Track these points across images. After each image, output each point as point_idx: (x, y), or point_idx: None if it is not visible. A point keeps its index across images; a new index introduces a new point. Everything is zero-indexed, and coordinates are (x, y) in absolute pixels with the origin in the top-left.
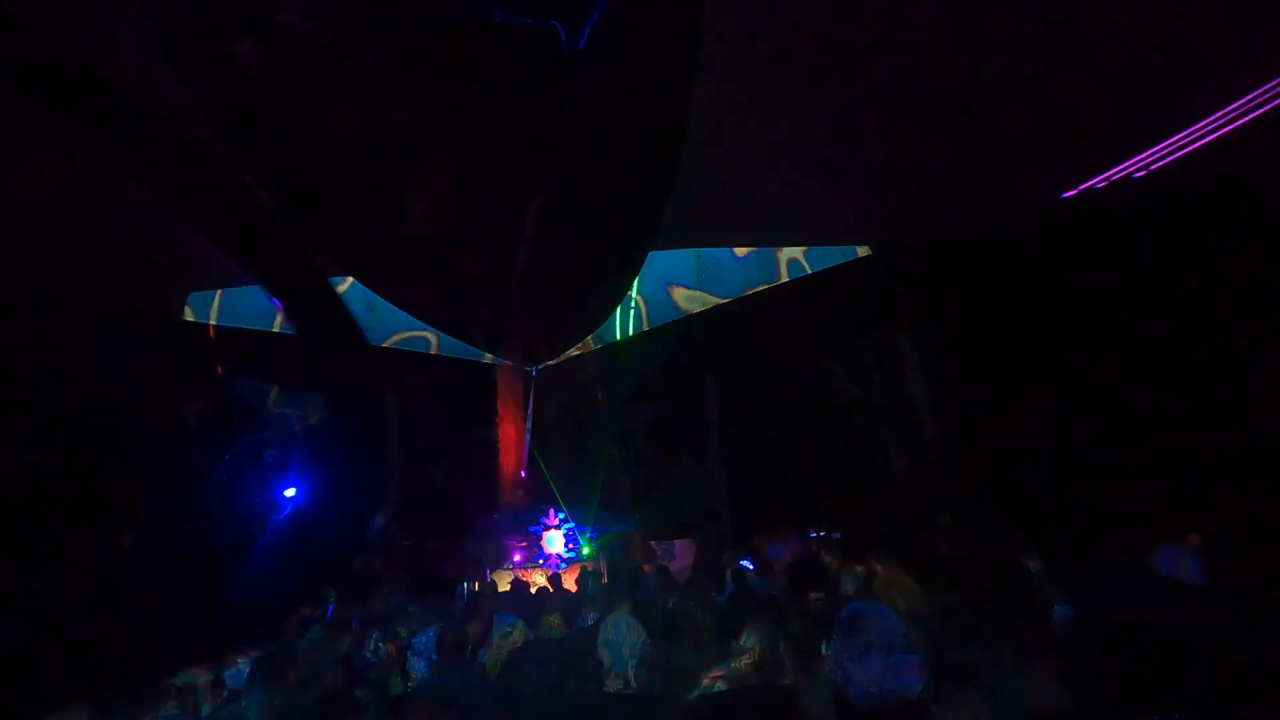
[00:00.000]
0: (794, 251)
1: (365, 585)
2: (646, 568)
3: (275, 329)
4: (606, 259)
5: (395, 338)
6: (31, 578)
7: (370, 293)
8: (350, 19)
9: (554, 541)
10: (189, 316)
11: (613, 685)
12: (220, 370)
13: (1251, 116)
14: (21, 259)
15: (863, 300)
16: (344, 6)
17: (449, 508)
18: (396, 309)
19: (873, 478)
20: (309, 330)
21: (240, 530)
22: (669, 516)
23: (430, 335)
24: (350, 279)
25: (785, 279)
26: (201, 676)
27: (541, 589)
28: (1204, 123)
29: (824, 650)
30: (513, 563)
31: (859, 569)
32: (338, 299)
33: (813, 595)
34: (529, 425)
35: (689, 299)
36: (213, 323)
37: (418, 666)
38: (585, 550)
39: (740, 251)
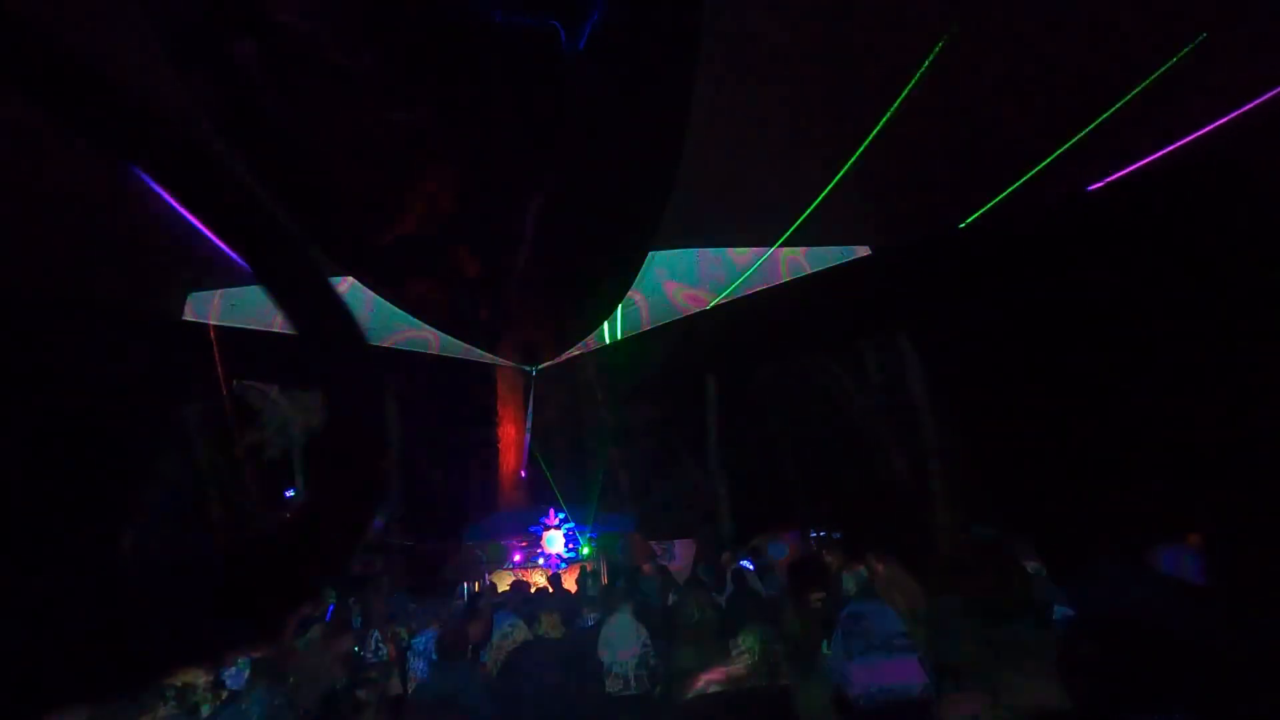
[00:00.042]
0: (794, 251)
1: (365, 585)
2: (646, 568)
3: (275, 329)
4: (607, 259)
5: (395, 338)
6: (31, 578)
7: (370, 293)
8: (350, 19)
9: (554, 541)
10: (189, 316)
11: (613, 685)
12: (220, 370)
13: (1251, 117)
14: (21, 259)
15: (863, 300)
16: (344, 6)
17: (449, 508)
18: (396, 309)
19: (873, 478)
20: (309, 330)
21: (240, 530)
22: (669, 516)
23: (430, 335)
24: (350, 279)
25: (785, 279)
26: (201, 677)
27: (541, 589)
28: (1203, 123)
29: (824, 650)
30: (513, 563)
31: (859, 569)
32: (338, 299)
33: (814, 595)
34: (529, 425)
35: (689, 299)
36: (213, 322)
37: (418, 666)
38: (585, 550)
39: (740, 251)
